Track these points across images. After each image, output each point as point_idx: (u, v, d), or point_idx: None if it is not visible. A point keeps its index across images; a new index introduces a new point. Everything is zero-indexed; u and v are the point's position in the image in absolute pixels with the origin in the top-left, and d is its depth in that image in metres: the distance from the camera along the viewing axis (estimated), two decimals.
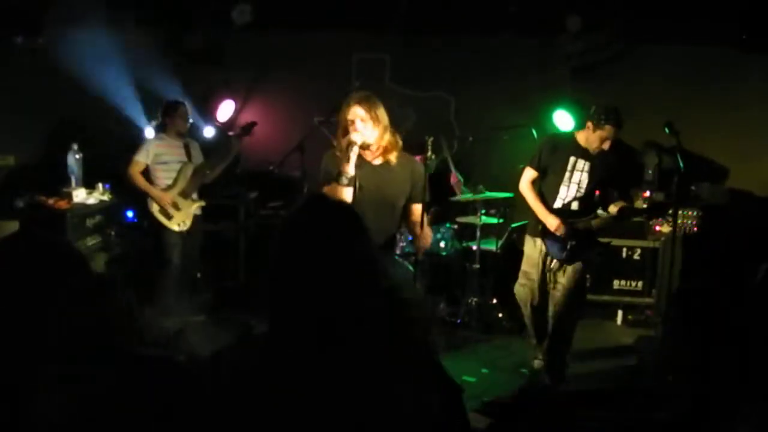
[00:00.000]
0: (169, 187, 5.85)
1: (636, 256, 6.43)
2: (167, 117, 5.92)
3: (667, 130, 4.79)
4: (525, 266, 5.15)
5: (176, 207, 5.82)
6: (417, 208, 4.03)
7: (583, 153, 4.90)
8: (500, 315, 6.26)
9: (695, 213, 6.01)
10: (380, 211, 3.82)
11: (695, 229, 5.55)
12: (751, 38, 6.23)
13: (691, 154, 5.66)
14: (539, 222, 4.95)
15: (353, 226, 1.64)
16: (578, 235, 4.88)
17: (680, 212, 5.79)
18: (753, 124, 6.76)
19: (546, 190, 4.99)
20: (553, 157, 4.94)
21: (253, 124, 5.96)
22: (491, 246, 6.33)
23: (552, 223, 4.86)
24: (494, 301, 6.38)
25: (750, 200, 6.40)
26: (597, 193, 5.02)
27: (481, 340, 5.95)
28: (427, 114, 7.40)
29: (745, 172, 6.75)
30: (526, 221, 6.57)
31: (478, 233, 6.21)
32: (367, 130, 3.81)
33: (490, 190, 6.14)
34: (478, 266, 6.20)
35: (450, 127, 7.42)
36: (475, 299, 6.22)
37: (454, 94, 7.47)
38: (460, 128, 7.37)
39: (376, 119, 3.83)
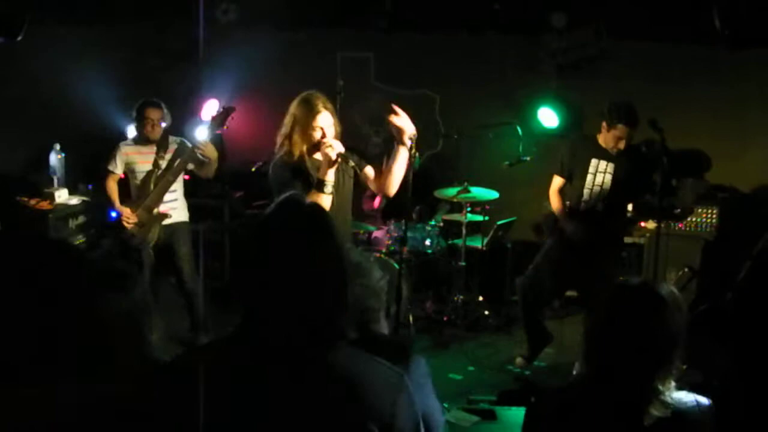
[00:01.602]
0: (133, 201, 5.35)
1: (622, 253, 6.43)
2: (136, 122, 5.37)
3: (651, 127, 4.80)
4: (539, 259, 5.21)
5: (138, 224, 5.29)
6: (369, 171, 4.06)
7: (604, 154, 4.93)
8: (486, 313, 6.26)
9: (713, 210, 5.95)
10: (342, 204, 3.93)
11: (713, 228, 5.53)
12: (733, 35, 6.24)
13: (674, 150, 5.67)
14: (560, 225, 5.08)
15: (326, 229, 1.63)
16: (596, 236, 4.95)
17: (698, 210, 5.77)
18: (738, 122, 6.78)
19: (570, 194, 5.07)
20: (575, 160, 5.02)
21: (227, 111, 5.22)
22: (477, 243, 6.33)
23: (569, 228, 4.97)
24: (480, 298, 6.38)
25: (734, 195, 6.42)
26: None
27: (467, 337, 5.95)
28: (412, 112, 7.38)
29: (729, 168, 6.77)
30: (513, 218, 6.59)
31: (464, 231, 6.20)
32: (332, 133, 3.84)
33: (476, 188, 6.14)
34: (464, 264, 6.20)
35: (435, 125, 7.41)
36: (461, 297, 6.22)
37: (439, 92, 7.46)
38: (446, 126, 7.36)
39: (337, 123, 3.88)
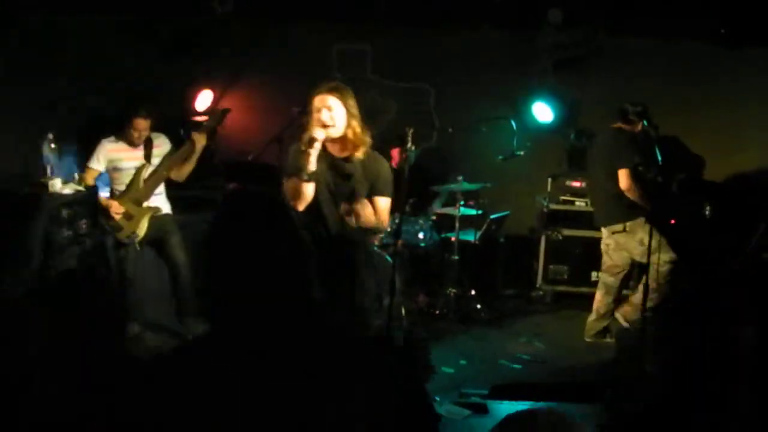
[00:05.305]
0: (122, 193, 5.37)
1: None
2: (124, 121, 5.32)
3: (645, 123, 4.82)
4: (617, 260, 5.51)
5: (127, 216, 5.32)
6: (378, 201, 3.81)
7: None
8: (478, 306, 6.27)
9: None
10: (338, 204, 3.76)
11: None
12: (731, 33, 6.26)
13: (668, 146, 5.70)
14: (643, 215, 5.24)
15: (275, 219, 1.67)
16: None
17: None
18: (734, 119, 6.80)
19: (642, 181, 5.31)
20: (637, 152, 5.30)
21: (224, 112, 5.49)
22: (470, 237, 6.34)
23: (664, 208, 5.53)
24: (473, 292, 6.38)
25: (727, 191, 6.44)
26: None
27: (460, 331, 5.96)
28: (407, 105, 7.39)
29: (724, 166, 6.80)
30: (506, 212, 6.61)
31: (457, 224, 6.21)
32: (335, 120, 3.68)
33: (470, 182, 6.15)
34: (456, 257, 6.21)
35: (430, 119, 7.41)
36: (453, 290, 6.23)
37: (434, 86, 7.45)
38: (441, 119, 7.37)
39: (346, 111, 3.70)
